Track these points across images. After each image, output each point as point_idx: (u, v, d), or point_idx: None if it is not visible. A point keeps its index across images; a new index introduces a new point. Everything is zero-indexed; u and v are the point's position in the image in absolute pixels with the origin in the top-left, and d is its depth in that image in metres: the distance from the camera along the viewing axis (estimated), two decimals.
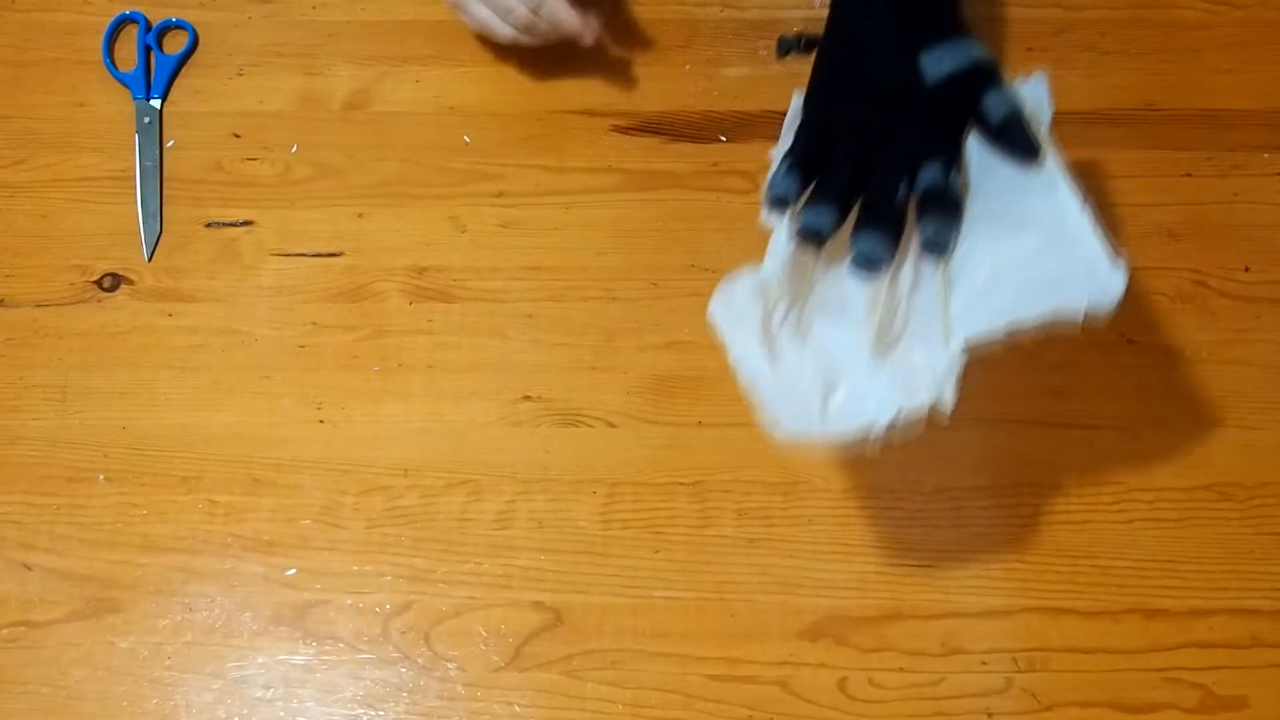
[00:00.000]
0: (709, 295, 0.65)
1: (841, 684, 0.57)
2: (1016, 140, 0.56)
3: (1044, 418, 0.62)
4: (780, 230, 0.56)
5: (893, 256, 0.54)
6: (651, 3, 0.74)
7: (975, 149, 0.60)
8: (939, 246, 0.55)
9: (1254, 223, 0.67)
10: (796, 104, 0.63)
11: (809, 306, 0.56)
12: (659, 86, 0.72)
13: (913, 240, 0.57)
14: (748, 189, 0.68)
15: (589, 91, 0.72)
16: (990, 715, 0.56)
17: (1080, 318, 0.50)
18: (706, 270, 0.66)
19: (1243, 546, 0.59)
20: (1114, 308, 0.49)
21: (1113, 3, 0.74)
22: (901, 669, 0.57)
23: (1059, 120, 0.70)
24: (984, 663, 0.57)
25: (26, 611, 0.59)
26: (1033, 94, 0.59)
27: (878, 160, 0.57)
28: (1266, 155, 0.69)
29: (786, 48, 0.63)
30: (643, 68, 0.73)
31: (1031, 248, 0.54)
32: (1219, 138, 0.70)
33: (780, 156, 0.59)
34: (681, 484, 0.61)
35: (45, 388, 0.64)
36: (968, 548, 0.59)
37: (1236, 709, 0.56)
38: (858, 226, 0.55)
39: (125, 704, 0.57)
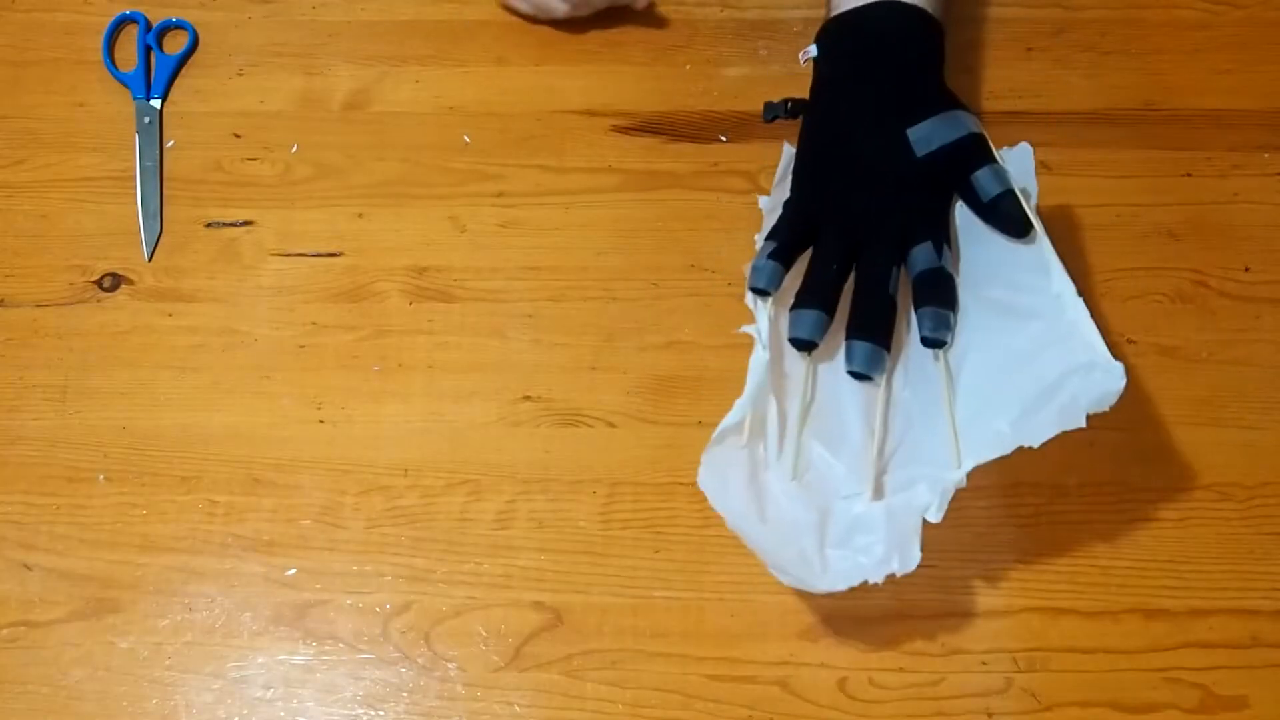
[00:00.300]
0: (709, 295, 0.66)
1: (841, 684, 0.57)
2: (1009, 217, 0.57)
3: None
4: (762, 318, 0.56)
5: (885, 361, 0.55)
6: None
7: (960, 217, 0.60)
8: (938, 342, 0.55)
9: (1254, 223, 0.67)
10: (788, 154, 0.64)
11: (805, 433, 0.56)
12: (659, 86, 0.72)
13: (906, 327, 0.58)
14: (748, 189, 0.68)
15: (589, 91, 0.72)
16: (990, 715, 0.56)
17: (1083, 421, 0.51)
18: (706, 270, 0.66)
19: (1243, 546, 0.59)
20: (1113, 404, 0.51)
21: (1113, 3, 0.74)
22: (901, 669, 0.57)
23: (1059, 120, 0.71)
24: (984, 663, 0.57)
25: (26, 611, 0.59)
26: (1017, 161, 0.60)
27: (867, 245, 0.57)
28: (1266, 155, 0.69)
29: (773, 113, 0.64)
30: (643, 68, 0.73)
31: (1032, 343, 0.54)
32: (1219, 138, 0.70)
33: (767, 225, 0.60)
34: (681, 484, 0.61)
35: (45, 388, 0.64)
36: (968, 548, 0.59)
37: (1236, 709, 0.56)
38: (851, 336, 0.55)
39: (125, 704, 0.57)
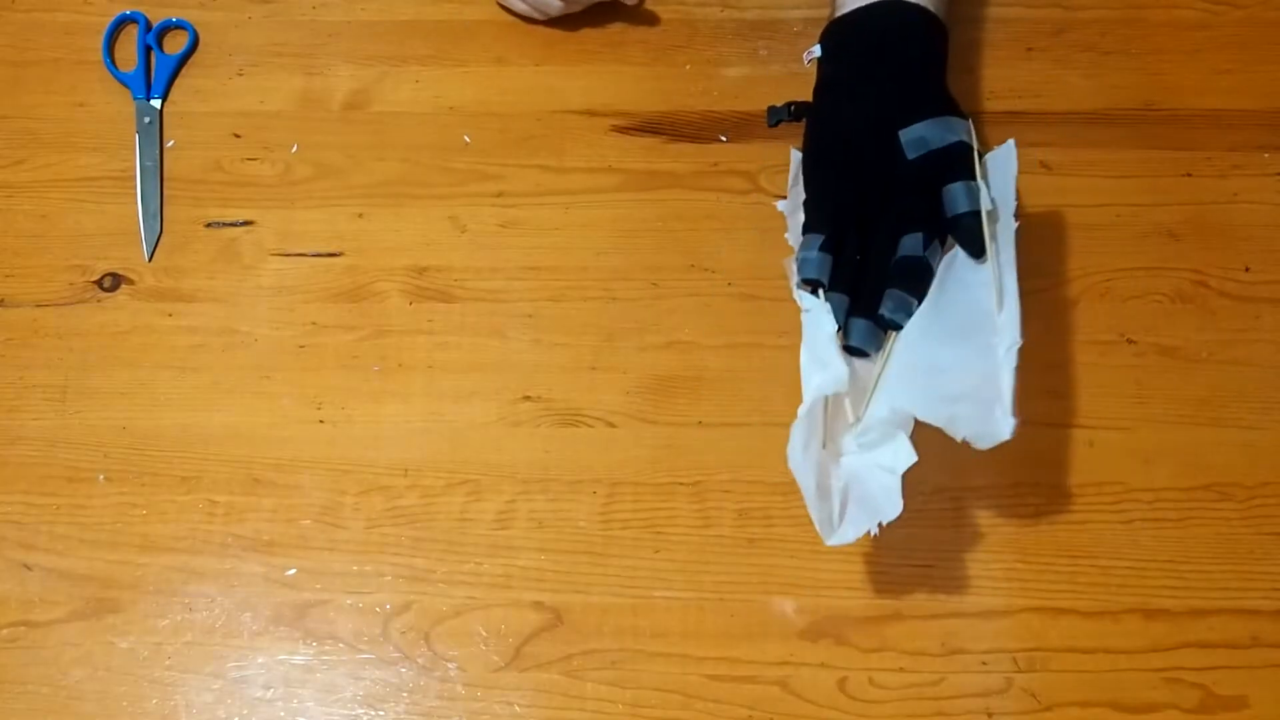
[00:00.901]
0: (709, 295, 0.66)
1: (841, 684, 0.57)
2: (968, 236, 0.58)
3: (1044, 418, 0.62)
4: (822, 316, 0.57)
5: (880, 339, 0.58)
6: (652, 3, 0.74)
7: None
8: (894, 325, 0.58)
9: (1254, 223, 0.67)
10: (797, 160, 0.64)
11: (834, 407, 0.58)
12: (659, 86, 0.72)
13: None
14: (748, 189, 0.68)
15: (589, 91, 0.72)
16: (990, 715, 0.56)
17: (959, 438, 0.54)
18: (706, 270, 0.66)
19: (1243, 546, 0.59)
20: (992, 446, 0.53)
21: (1113, 3, 0.74)
22: (901, 669, 0.57)
23: (1059, 120, 0.71)
24: (984, 663, 0.57)
25: (26, 611, 0.59)
26: (1001, 163, 0.61)
27: (871, 239, 0.59)
28: (1266, 155, 0.69)
29: (777, 117, 0.66)
30: (643, 68, 0.73)
31: (960, 366, 0.56)
32: (1219, 138, 0.70)
33: (797, 228, 0.62)
34: (681, 484, 0.61)
35: (45, 388, 0.64)
36: (968, 548, 0.59)
37: (1236, 709, 0.56)
38: (849, 315, 0.58)
39: (125, 704, 0.57)
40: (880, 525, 0.54)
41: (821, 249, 0.58)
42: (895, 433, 0.56)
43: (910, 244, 0.58)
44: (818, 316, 0.57)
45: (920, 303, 0.58)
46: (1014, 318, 0.56)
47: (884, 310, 0.57)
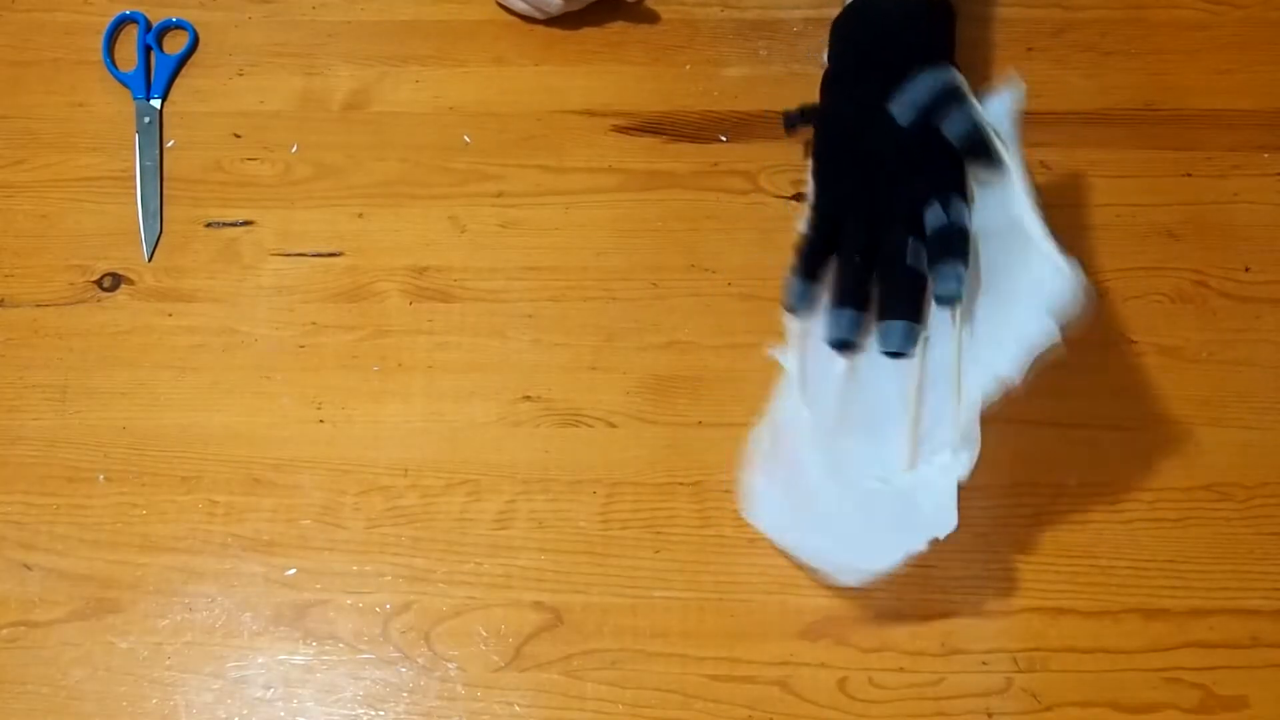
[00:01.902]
0: (709, 295, 0.66)
1: (841, 684, 0.57)
2: (979, 153, 0.56)
3: (1044, 418, 0.62)
4: (791, 336, 0.56)
5: (918, 335, 0.55)
6: (652, 2, 0.74)
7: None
8: (950, 299, 0.54)
9: (1254, 223, 0.67)
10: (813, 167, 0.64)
11: (841, 430, 0.56)
12: (659, 86, 0.72)
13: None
14: (748, 189, 0.68)
15: (589, 91, 0.72)
16: (990, 715, 0.56)
17: (1053, 333, 0.51)
18: (706, 270, 0.66)
19: (1243, 546, 0.59)
20: (1079, 306, 0.50)
21: (1113, 3, 0.74)
22: (901, 669, 0.57)
23: (1059, 120, 0.71)
24: (984, 663, 0.57)
25: (26, 611, 0.59)
26: (997, 107, 0.59)
27: (881, 227, 0.57)
28: (1266, 155, 0.69)
29: (792, 122, 0.65)
30: (643, 68, 0.73)
31: (1013, 281, 0.54)
32: (1219, 138, 0.70)
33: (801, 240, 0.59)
34: (681, 484, 0.61)
35: (45, 388, 0.64)
36: (968, 548, 0.59)
37: (1236, 709, 0.56)
38: (880, 318, 0.55)
39: (125, 704, 0.57)
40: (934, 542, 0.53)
41: (798, 271, 0.56)
42: (970, 436, 0.53)
43: (933, 216, 0.55)
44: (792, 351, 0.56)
45: (967, 266, 0.54)
46: (1024, 197, 0.53)
47: (938, 290, 0.54)
